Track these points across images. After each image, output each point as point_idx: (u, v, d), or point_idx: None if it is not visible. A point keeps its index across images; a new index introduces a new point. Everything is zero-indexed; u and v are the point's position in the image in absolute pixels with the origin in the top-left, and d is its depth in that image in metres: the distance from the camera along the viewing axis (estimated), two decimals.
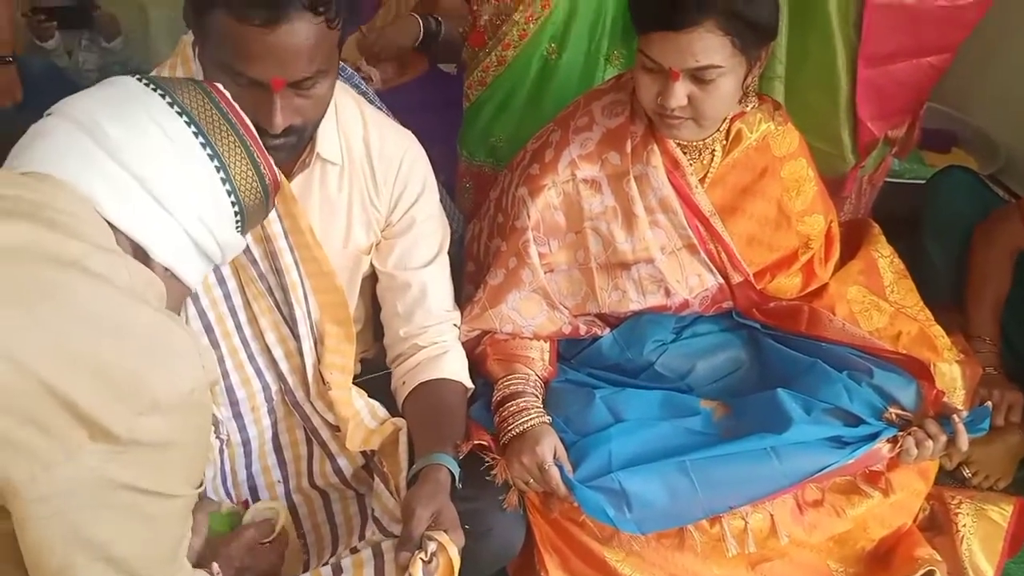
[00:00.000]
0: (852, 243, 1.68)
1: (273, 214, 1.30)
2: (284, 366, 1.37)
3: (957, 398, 1.50)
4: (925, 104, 2.02)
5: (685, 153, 1.44)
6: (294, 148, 1.25)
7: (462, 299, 1.54)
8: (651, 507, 1.26)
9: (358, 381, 1.44)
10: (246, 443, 1.38)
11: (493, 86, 1.92)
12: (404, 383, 1.43)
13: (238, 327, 1.34)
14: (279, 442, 1.41)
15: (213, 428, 1.22)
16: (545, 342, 1.51)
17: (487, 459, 1.35)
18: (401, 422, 1.39)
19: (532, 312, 1.49)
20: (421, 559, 1.11)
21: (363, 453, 1.41)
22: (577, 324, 1.52)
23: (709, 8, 1.24)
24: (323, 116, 1.27)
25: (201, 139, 0.93)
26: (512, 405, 1.38)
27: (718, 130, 1.44)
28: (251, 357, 1.36)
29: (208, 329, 1.31)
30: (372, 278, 1.48)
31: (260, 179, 0.98)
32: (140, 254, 0.91)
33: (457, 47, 2.25)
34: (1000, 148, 2.71)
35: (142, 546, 0.85)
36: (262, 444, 1.40)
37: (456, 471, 1.26)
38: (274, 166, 1.01)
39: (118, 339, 0.77)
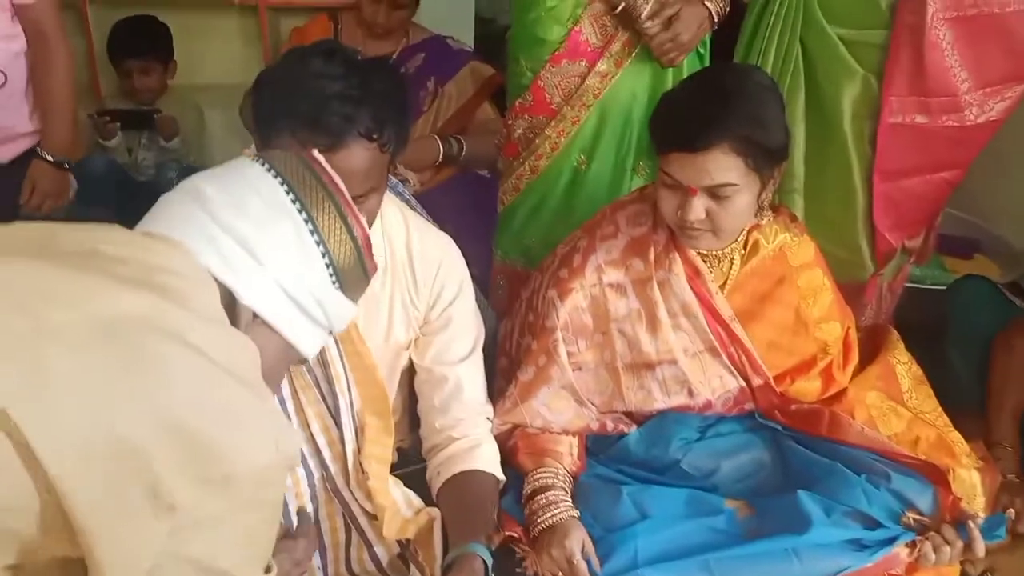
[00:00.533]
0: (871, 349, 1.72)
1: None
2: (327, 454, 1.42)
3: (977, 504, 1.51)
4: (940, 214, 2.08)
5: (705, 261, 1.51)
6: None
7: (494, 393, 1.60)
8: None
9: (395, 472, 1.48)
10: (289, 529, 1.44)
11: (526, 192, 2.01)
12: (439, 473, 1.47)
13: (287, 416, 1.39)
14: (320, 528, 1.44)
15: None
16: (574, 437, 1.56)
17: (518, 551, 1.39)
18: (436, 512, 1.43)
19: (561, 408, 1.54)
20: None
21: (399, 542, 1.46)
22: (605, 421, 1.57)
23: (723, 132, 1.32)
24: (372, 226, 1.35)
25: (292, 196, 0.96)
26: (542, 498, 1.43)
27: (736, 240, 1.51)
28: None
29: None
30: (410, 371, 1.54)
31: (351, 235, 1.00)
32: (230, 304, 0.93)
33: (483, 160, 2.38)
34: (1021, 255, 2.76)
35: None
36: None
37: (489, 560, 1.31)
38: (365, 224, 1.03)
39: (202, 411, 0.78)
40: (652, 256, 1.51)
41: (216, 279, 0.92)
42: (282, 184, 0.97)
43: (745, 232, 1.52)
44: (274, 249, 0.95)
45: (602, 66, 1.85)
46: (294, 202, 0.96)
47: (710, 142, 1.33)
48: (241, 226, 0.93)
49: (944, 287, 2.31)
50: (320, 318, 1.00)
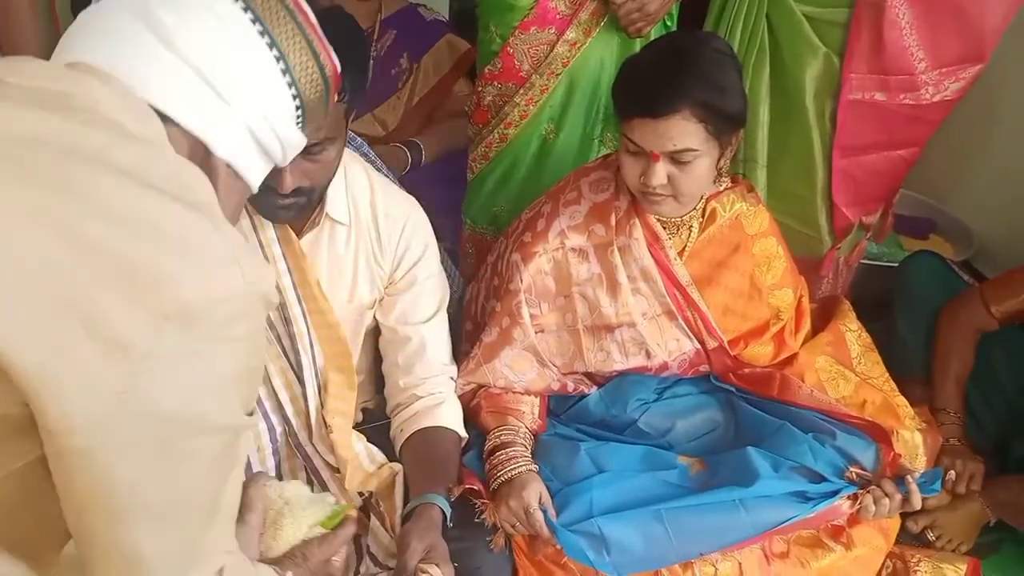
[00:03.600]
0: (824, 318, 1.78)
1: (283, 267, 1.38)
2: (289, 409, 1.43)
3: (919, 464, 1.58)
4: (898, 192, 2.12)
5: (664, 228, 1.55)
6: (302, 208, 1.33)
7: (459, 355, 1.62)
8: (628, 551, 1.34)
9: (360, 429, 1.51)
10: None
11: (495, 160, 2.02)
12: (402, 430, 1.50)
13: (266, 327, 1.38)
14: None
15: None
16: (535, 397, 1.59)
17: (477, 504, 1.43)
18: (398, 466, 1.46)
19: (523, 368, 1.58)
20: None
21: (361, 496, 1.49)
22: (565, 382, 1.61)
23: (684, 98, 1.36)
24: (330, 179, 1.34)
25: (259, 27, 0.85)
26: (502, 454, 1.47)
27: (695, 208, 1.55)
28: (259, 400, 1.41)
29: None
30: (375, 332, 1.55)
31: (320, 71, 0.90)
32: (198, 149, 0.84)
33: (455, 149, 2.33)
34: (974, 235, 2.84)
35: (173, 492, 0.74)
36: None
37: (448, 511, 1.34)
38: (334, 57, 0.94)
39: (140, 238, 0.68)
40: (613, 222, 1.54)
41: (182, 128, 0.82)
42: (246, 11, 0.85)
43: (703, 201, 1.57)
44: (243, 88, 0.84)
45: (571, 34, 1.86)
46: (263, 34, 0.85)
47: (672, 108, 1.36)
48: (208, 64, 0.81)
49: (897, 264, 2.38)
50: (277, 155, 0.92)
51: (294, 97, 0.89)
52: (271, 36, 0.86)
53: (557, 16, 1.86)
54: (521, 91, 1.92)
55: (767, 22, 1.89)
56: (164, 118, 0.80)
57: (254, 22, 0.85)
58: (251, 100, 0.85)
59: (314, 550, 1.11)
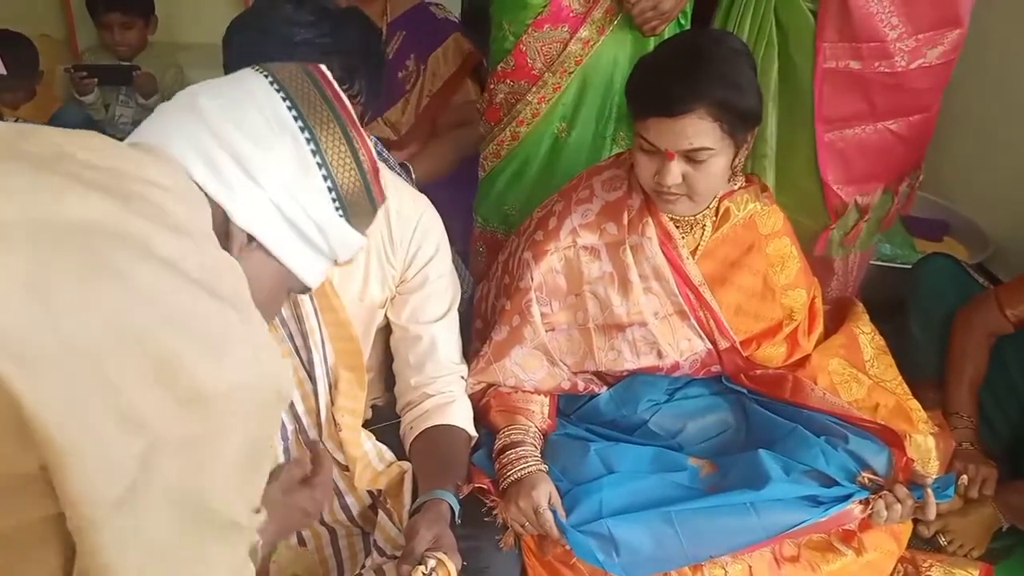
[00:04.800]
0: (837, 320, 1.77)
1: None
2: (300, 407, 1.43)
3: (931, 468, 1.58)
4: (905, 178, 2.07)
5: (677, 227, 1.55)
6: None
7: (469, 354, 1.62)
8: (637, 553, 1.34)
9: (369, 427, 1.51)
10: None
11: (507, 158, 2.03)
12: (412, 428, 1.50)
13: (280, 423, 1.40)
14: None
15: None
16: (545, 397, 1.59)
17: (487, 502, 1.43)
18: (407, 465, 1.46)
19: (533, 367, 1.57)
20: (422, 572, 1.18)
21: (370, 494, 1.49)
22: (576, 381, 1.60)
23: (701, 97, 1.35)
24: None
25: (295, 112, 0.90)
26: (512, 453, 1.47)
27: (708, 207, 1.54)
28: None
29: None
30: (386, 330, 1.55)
31: (356, 160, 0.93)
32: (218, 215, 0.87)
33: (452, 164, 2.33)
34: (989, 238, 2.82)
35: None
36: None
37: (456, 507, 1.34)
38: (372, 151, 0.97)
39: (168, 325, 0.71)
40: (626, 220, 1.54)
41: (208, 196, 0.87)
42: (285, 99, 0.91)
43: (717, 200, 1.56)
44: (272, 168, 0.89)
45: (584, 32, 1.86)
46: (296, 119, 0.90)
47: (688, 107, 1.36)
48: (238, 141, 0.87)
49: (911, 266, 2.36)
50: (321, 245, 0.94)
51: (329, 188, 0.92)
52: (304, 120, 0.90)
53: (571, 14, 1.86)
54: (533, 89, 1.92)
55: (775, 17, 1.88)
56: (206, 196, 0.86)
57: (290, 108, 0.90)
58: (280, 181, 0.89)
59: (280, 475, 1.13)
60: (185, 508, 0.73)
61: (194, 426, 0.72)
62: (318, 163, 0.91)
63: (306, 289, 0.98)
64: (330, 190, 0.92)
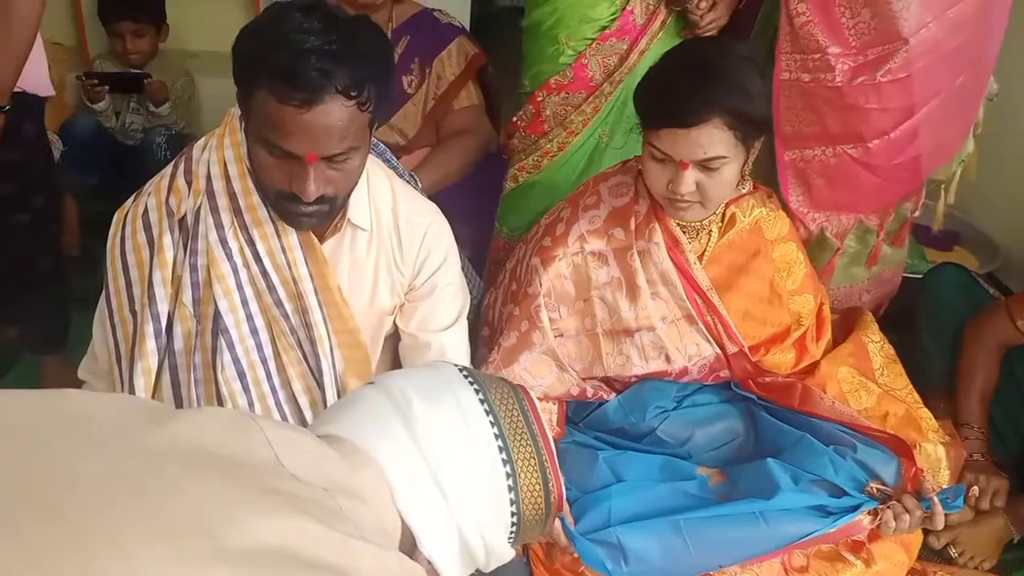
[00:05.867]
0: (846, 329, 1.77)
1: (304, 272, 1.39)
2: (308, 414, 1.43)
3: (942, 478, 1.57)
4: (891, 211, 1.96)
5: (684, 233, 1.55)
6: (326, 216, 1.33)
7: (477, 362, 1.62)
8: (646, 562, 1.34)
9: None
10: None
11: (547, 169, 2.04)
12: None
13: (268, 375, 1.41)
14: None
15: None
16: (554, 404, 1.59)
17: None
18: None
19: (542, 373, 1.58)
20: None
21: None
22: (584, 387, 1.60)
23: (715, 108, 1.36)
24: (353, 187, 1.34)
25: (500, 442, 0.88)
26: None
27: (715, 213, 1.55)
28: (279, 404, 1.42)
29: (240, 376, 1.38)
30: (395, 338, 1.55)
31: (546, 496, 0.90)
32: (408, 539, 0.84)
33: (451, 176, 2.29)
34: (999, 248, 2.81)
35: None
36: None
37: None
38: (562, 484, 0.94)
39: None
40: (633, 226, 1.55)
41: (399, 513, 0.82)
42: (493, 425, 0.88)
43: (723, 206, 1.56)
44: (470, 503, 0.85)
45: (642, 43, 1.91)
46: (501, 450, 0.87)
47: (703, 118, 1.36)
48: (443, 464, 0.84)
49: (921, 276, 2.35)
50: (480, 562, 0.90)
51: (513, 515, 0.89)
52: (508, 452, 0.88)
53: (635, 27, 1.91)
54: (590, 99, 1.95)
55: None
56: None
57: (496, 437, 0.87)
58: (472, 508, 0.86)
59: None
60: None
61: None
62: (511, 499, 0.88)
63: None
64: (513, 525, 0.89)
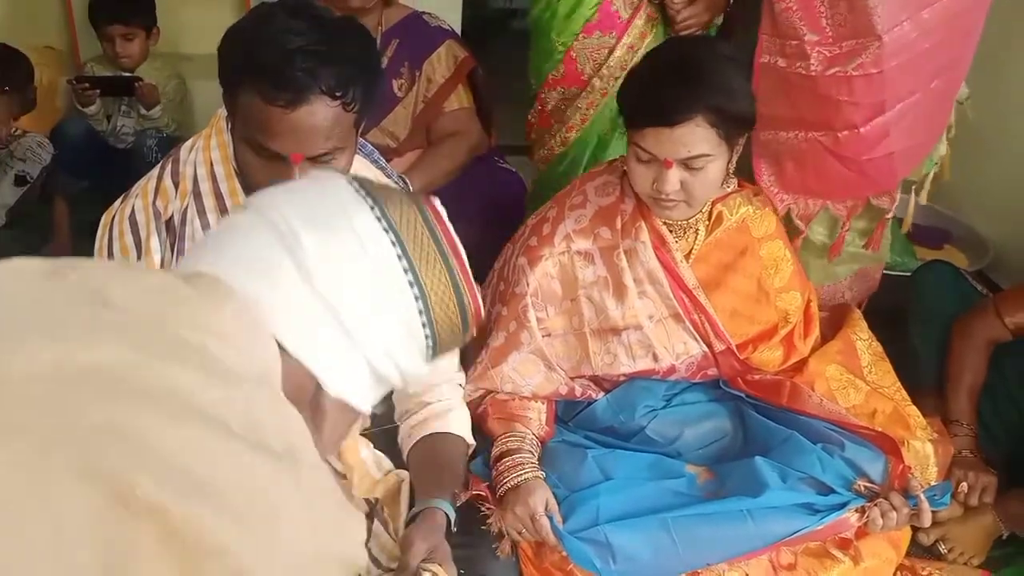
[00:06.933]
0: (834, 327, 1.77)
1: None
2: None
3: (930, 474, 1.58)
4: (859, 207, 1.95)
5: (671, 231, 1.56)
6: None
7: (466, 362, 1.61)
8: (634, 560, 1.34)
9: (366, 432, 1.51)
10: None
11: (556, 161, 2.17)
12: (410, 436, 1.49)
13: None
14: None
15: None
16: (543, 403, 1.59)
17: (484, 509, 1.43)
18: (404, 474, 1.45)
19: (531, 372, 1.58)
20: None
21: (367, 502, 1.49)
22: (573, 386, 1.61)
23: (697, 106, 1.37)
24: None
25: (404, 263, 0.79)
26: (508, 460, 1.47)
27: (701, 211, 1.55)
28: None
29: None
30: None
31: (461, 310, 0.83)
32: (309, 385, 0.78)
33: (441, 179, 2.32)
34: (989, 246, 2.82)
35: None
36: None
37: (452, 515, 1.33)
38: (478, 295, 0.86)
39: (203, 498, 0.60)
40: (619, 225, 1.55)
41: (302, 363, 0.76)
42: (395, 244, 0.78)
43: (710, 204, 1.57)
44: (374, 329, 0.78)
45: (628, 38, 1.98)
46: (406, 272, 0.79)
47: (685, 116, 1.37)
48: (342, 302, 0.76)
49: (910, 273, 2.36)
50: (396, 384, 0.84)
51: (427, 337, 0.82)
52: (415, 272, 0.79)
53: (618, 20, 1.98)
54: (583, 95, 2.04)
55: None
56: (281, 347, 0.75)
57: (400, 258, 0.79)
58: (380, 342, 0.79)
59: None
60: None
61: None
62: (423, 322, 0.80)
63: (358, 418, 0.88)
64: (427, 338, 0.82)
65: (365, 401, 0.82)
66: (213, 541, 0.59)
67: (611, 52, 1.97)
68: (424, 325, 0.80)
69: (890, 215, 2.01)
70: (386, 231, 0.78)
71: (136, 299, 0.69)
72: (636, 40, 1.97)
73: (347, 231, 0.77)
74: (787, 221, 1.92)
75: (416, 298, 0.79)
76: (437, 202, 0.87)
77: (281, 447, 0.67)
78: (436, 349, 0.83)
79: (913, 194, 2.09)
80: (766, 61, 1.77)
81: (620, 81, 1.87)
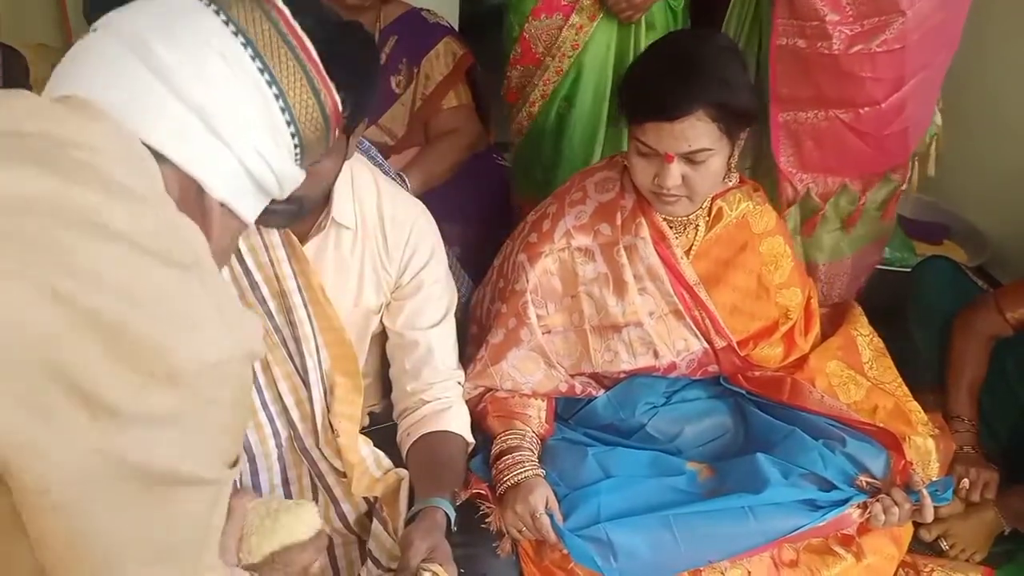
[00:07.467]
0: (835, 323, 1.77)
1: (288, 271, 1.38)
2: (295, 414, 1.43)
3: (932, 470, 1.57)
4: (876, 181, 2.00)
5: (671, 228, 1.55)
6: (293, 216, 1.31)
7: (466, 360, 1.61)
8: (635, 557, 1.33)
9: (366, 431, 1.51)
10: (256, 487, 1.43)
11: (527, 135, 2.24)
12: (408, 434, 1.49)
13: (253, 376, 1.38)
14: (288, 488, 1.46)
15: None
16: (542, 401, 1.59)
17: (484, 508, 1.42)
18: (404, 472, 1.45)
19: (530, 370, 1.57)
20: None
21: (366, 501, 1.49)
22: (573, 383, 1.60)
23: (698, 100, 1.36)
24: (323, 190, 1.33)
25: (259, 63, 0.82)
26: (508, 458, 1.46)
27: (701, 207, 1.55)
28: (264, 404, 1.42)
29: None
30: (382, 336, 1.55)
31: (320, 107, 0.88)
32: (191, 189, 0.82)
33: (441, 175, 2.35)
34: (988, 241, 2.82)
35: (163, 540, 0.73)
36: (271, 488, 1.45)
37: (452, 514, 1.33)
38: (333, 91, 0.90)
39: (129, 304, 0.66)
40: (619, 221, 1.54)
41: (179, 167, 0.80)
42: (245, 46, 0.82)
43: (710, 199, 1.56)
44: (242, 128, 0.82)
45: (575, 19, 2.04)
46: (261, 71, 0.82)
47: (686, 110, 1.36)
48: (206, 104, 0.79)
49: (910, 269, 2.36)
50: (274, 190, 0.90)
51: (293, 135, 0.87)
52: (270, 73, 0.83)
53: (563, 3, 2.04)
54: (539, 72, 2.12)
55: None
56: (158, 156, 0.78)
57: (254, 59, 0.82)
58: (248, 139, 0.83)
59: (293, 557, 1.12)
60: (155, 478, 0.69)
61: (170, 402, 0.68)
62: (287, 120, 0.85)
63: (245, 226, 0.92)
64: (296, 146, 0.88)
65: (249, 208, 0.87)
66: (146, 335, 0.66)
67: (560, 32, 2.05)
68: (288, 123, 0.85)
69: (905, 185, 2.06)
70: (235, 34, 0.82)
71: (20, 122, 0.72)
72: (584, 21, 2.04)
73: (197, 38, 0.80)
74: (805, 200, 1.98)
75: (276, 96, 0.83)
76: (280, 2, 0.87)
77: (189, 259, 0.73)
78: (304, 150, 0.89)
79: (913, 164, 2.11)
80: (783, 43, 1.79)
81: (572, 61, 2.07)
